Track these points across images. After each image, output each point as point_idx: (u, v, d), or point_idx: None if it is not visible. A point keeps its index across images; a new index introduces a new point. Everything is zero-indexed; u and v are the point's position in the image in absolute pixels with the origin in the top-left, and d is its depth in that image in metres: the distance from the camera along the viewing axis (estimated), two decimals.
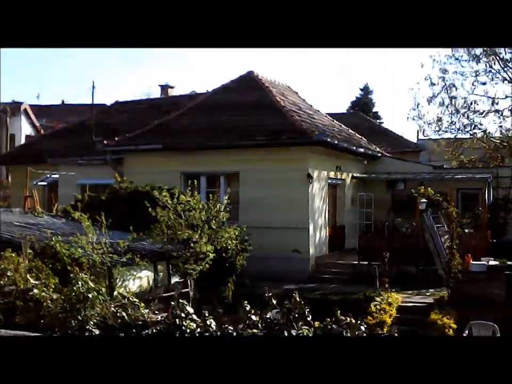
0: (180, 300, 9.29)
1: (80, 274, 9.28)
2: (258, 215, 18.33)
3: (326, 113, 27.18)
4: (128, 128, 22.10)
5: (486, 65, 26.52)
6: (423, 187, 15.85)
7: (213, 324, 8.36)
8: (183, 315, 8.59)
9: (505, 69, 26.45)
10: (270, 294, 8.71)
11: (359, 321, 7.78)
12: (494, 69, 26.52)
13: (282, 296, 15.33)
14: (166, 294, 13.02)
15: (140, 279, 12.56)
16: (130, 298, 9.45)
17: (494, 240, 19.05)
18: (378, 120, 55.77)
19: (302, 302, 8.24)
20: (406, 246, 17.60)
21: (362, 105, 56.32)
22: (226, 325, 7.98)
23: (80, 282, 8.89)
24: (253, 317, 8.25)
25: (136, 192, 15.83)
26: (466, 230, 18.62)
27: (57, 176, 21.67)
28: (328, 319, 7.75)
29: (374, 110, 58.02)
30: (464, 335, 12.28)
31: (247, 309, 8.38)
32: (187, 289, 13.35)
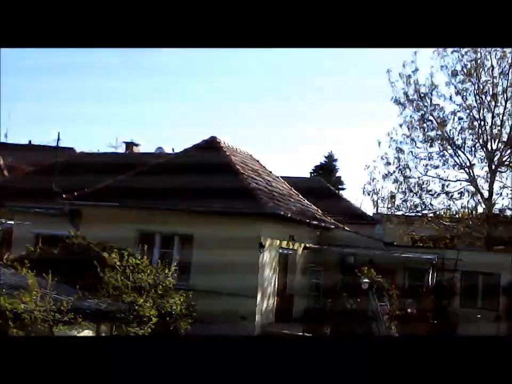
0: None
1: None
2: (209, 279, 18.57)
3: (288, 176, 28.12)
4: (89, 180, 22.38)
5: (439, 148, 27.80)
6: (366, 268, 16.36)
7: None
8: None
9: (457, 154, 27.77)
10: None
11: None
12: (447, 153, 27.82)
13: None
14: None
15: None
16: None
17: (435, 321, 19.55)
18: (340, 186, 56.90)
19: None
20: (349, 323, 17.98)
21: (326, 170, 57.45)
22: None
23: None
24: None
25: (88, 249, 16.02)
26: (409, 310, 19.19)
27: (12, 223, 21.75)
28: None
29: (338, 174, 59.04)
30: None
31: None
32: None
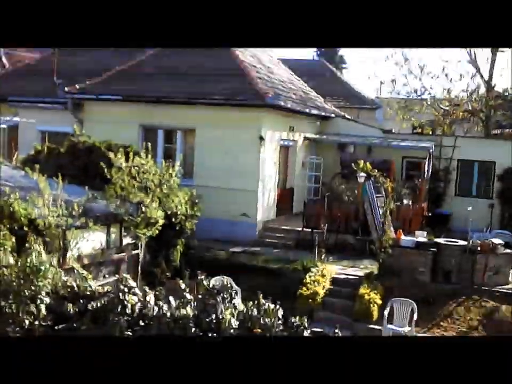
0: (124, 275, 10.29)
1: (33, 245, 9.96)
2: (212, 173, 19.23)
3: (291, 58, 27.93)
4: (91, 70, 22.37)
5: None
6: (362, 161, 16.83)
7: (152, 300, 9.45)
8: (126, 290, 9.64)
9: None
10: (202, 276, 9.66)
11: (277, 306, 8.76)
12: None
13: (228, 259, 16.77)
14: (117, 256, 14.00)
15: (93, 241, 13.42)
16: (79, 271, 10.40)
17: (430, 214, 20.35)
18: (343, 65, 56.48)
19: (231, 286, 9.36)
20: (347, 214, 18.80)
21: (329, 49, 56.63)
22: (161, 305, 9.06)
23: (34, 254, 9.71)
24: (187, 295, 9.33)
25: (94, 148, 16.47)
26: (405, 201, 19.91)
27: (17, 120, 21.94)
28: (251, 303, 8.78)
29: (340, 53, 58.29)
30: (386, 311, 13.54)
31: (183, 287, 9.45)
32: (137, 251, 14.34)
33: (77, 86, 21.35)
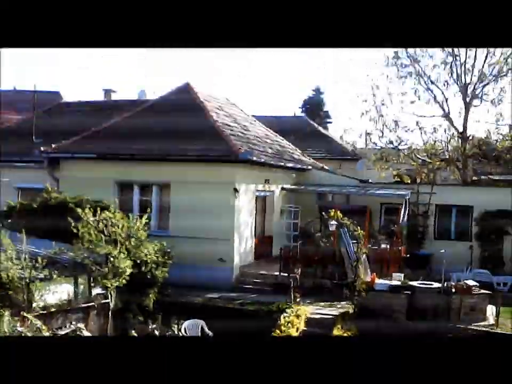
0: (79, 325, 10.22)
1: None
2: (187, 224, 19.11)
3: (272, 116, 29.19)
4: (69, 130, 22.61)
5: (414, 83, 28.22)
6: (333, 210, 16.88)
7: None
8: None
9: (430, 89, 28.22)
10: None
11: None
12: (422, 87, 28.27)
13: (205, 305, 16.66)
14: (86, 304, 13.86)
15: (61, 292, 13.29)
16: (33, 321, 10.30)
17: (408, 255, 20.30)
18: (328, 119, 57.66)
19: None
20: (323, 259, 18.73)
21: (314, 104, 57.97)
22: None
23: None
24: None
25: (64, 203, 16.56)
26: (383, 245, 19.89)
27: None
28: None
29: (325, 109, 59.57)
30: None
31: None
32: (108, 300, 14.19)
33: (53, 145, 21.53)
